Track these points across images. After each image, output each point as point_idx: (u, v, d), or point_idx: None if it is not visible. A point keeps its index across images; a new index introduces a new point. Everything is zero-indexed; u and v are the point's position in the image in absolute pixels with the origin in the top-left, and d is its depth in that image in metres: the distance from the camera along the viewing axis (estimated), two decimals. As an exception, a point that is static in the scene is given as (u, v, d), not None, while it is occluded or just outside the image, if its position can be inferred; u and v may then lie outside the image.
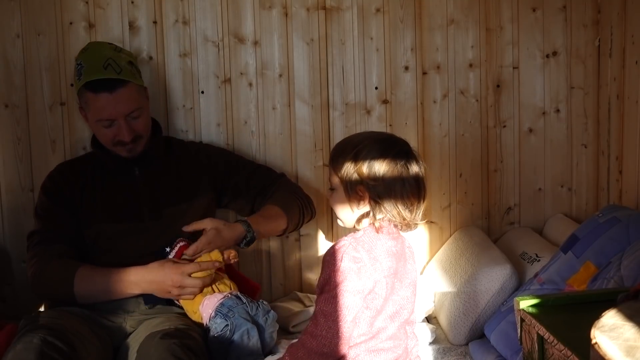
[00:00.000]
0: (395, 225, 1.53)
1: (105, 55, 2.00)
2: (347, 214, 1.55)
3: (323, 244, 2.48)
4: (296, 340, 1.55)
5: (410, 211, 1.50)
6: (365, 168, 1.48)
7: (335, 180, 1.54)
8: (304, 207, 2.18)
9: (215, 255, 1.89)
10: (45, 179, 2.11)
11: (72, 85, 2.32)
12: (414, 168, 1.50)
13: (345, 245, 1.46)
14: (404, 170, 1.48)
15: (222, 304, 1.83)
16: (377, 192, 1.48)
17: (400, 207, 1.48)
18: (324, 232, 2.47)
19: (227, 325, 1.79)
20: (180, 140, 2.30)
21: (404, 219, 1.50)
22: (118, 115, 1.97)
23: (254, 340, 1.81)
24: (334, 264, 1.44)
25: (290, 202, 2.13)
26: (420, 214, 1.53)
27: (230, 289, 1.92)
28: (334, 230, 2.47)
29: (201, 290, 1.88)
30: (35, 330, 1.68)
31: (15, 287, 2.34)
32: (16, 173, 2.34)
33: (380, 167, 1.48)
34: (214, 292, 1.89)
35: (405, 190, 1.48)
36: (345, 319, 1.43)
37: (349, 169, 1.50)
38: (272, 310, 1.90)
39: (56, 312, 1.86)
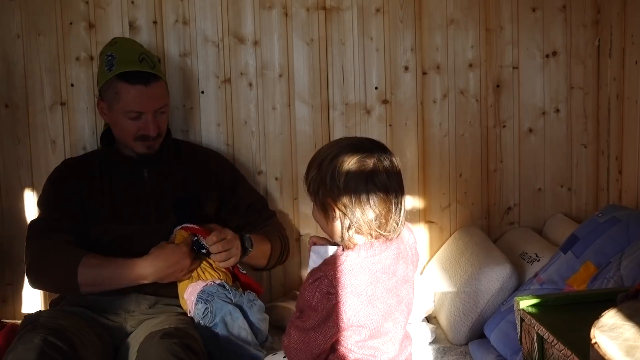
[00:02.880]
0: (379, 237, 1.41)
1: (138, 49, 2.05)
2: (325, 228, 1.46)
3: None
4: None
5: (380, 216, 1.37)
6: (328, 178, 1.38)
7: (308, 195, 1.46)
8: (284, 249, 2.23)
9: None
10: (52, 173, 2.10)
11: (72, 85, 2.33)
12: (381, 175, 1.38)
13: (321, 279, 1.36)
14: (369, 177, 1.37)
15: (202, 291, 1.85)
16: (343, 202, 1.37)
17: (370, 218, 1.36)
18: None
19: (207, 308, 1.81)
20: (189, 143, 2.30)
21: (374, 230, 1.38)
22: (149, 109, 1.99)
23: (238, 321, 1.81)
24: (307, 298, 1.37)
25: (276, 241, 2.17)
26: (400, 222, 1.40)
27: (214, 278, 1.92)
28: (334, 230, 2.47)
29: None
30: (35, 330, 1.68)
31: (15, 287, 2.34)
32: (16, 173, 2.34)
33: (343, 175, 1.37)
34: (199, 279, 1.91)
35: (373, 200, 1.36)
36: (312, 353, 1.38)
37: (315, 181, 1.42)
38: (259, 301, 1.91)
39: (57, 312, 1.86)
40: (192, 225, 1.98)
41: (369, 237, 1.40)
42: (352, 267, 1.37)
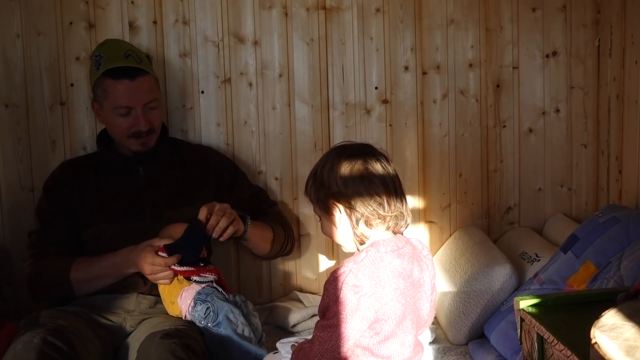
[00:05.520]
0: (392, 231, 1.46)
1: (125, 47, 2.08)
2: (337, 234, 1.50)
3: (323, 244, 2.48)
4: (302, 341, 1.53)
5: (383, 201, 1.43)
6: (326, 179, 1.46)
7: (314, 207, 1.52)
8: (288, 237, 2.24)
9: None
10: (48, 179, 2.13)
11: (72, 85, 2.33)
12: (375, 164, 1.45)
13: (345, 273, 1.39)
14: (364, 167, 1.44)
15: (199, 292, 1.84)
16: (345, 197, 1.43)
17: (373, 205, 1.42)
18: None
19: (208, 307, 1.80)
20: (186, 142, 2.30)
21: (381, 215, 1.43)
22: (137, 104, 2.00)
23: (240, 319, 1.81)
24: (333, 292, 1.39)
25: (278, 227, 2.19)
26: (403, 207, 1.46)
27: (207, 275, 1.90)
28: (334, 230, 2.47)
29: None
30: (35, 330, 1.68)
31: (15, 287, 2.33)
32: (16, 173, 2.33)
33: (338, 172, 1.44)
34: (190, 284, 1.88)
35: (372, 187, 1.43)
36: (341, 350, 1.38)
37: (315, 189, 1.49)
38: (248, 301, 1.92)
39: (56, 312, 1.86)
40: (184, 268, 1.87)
41: (381, 227, 1.45)
42: (374, 261, 1.41)
